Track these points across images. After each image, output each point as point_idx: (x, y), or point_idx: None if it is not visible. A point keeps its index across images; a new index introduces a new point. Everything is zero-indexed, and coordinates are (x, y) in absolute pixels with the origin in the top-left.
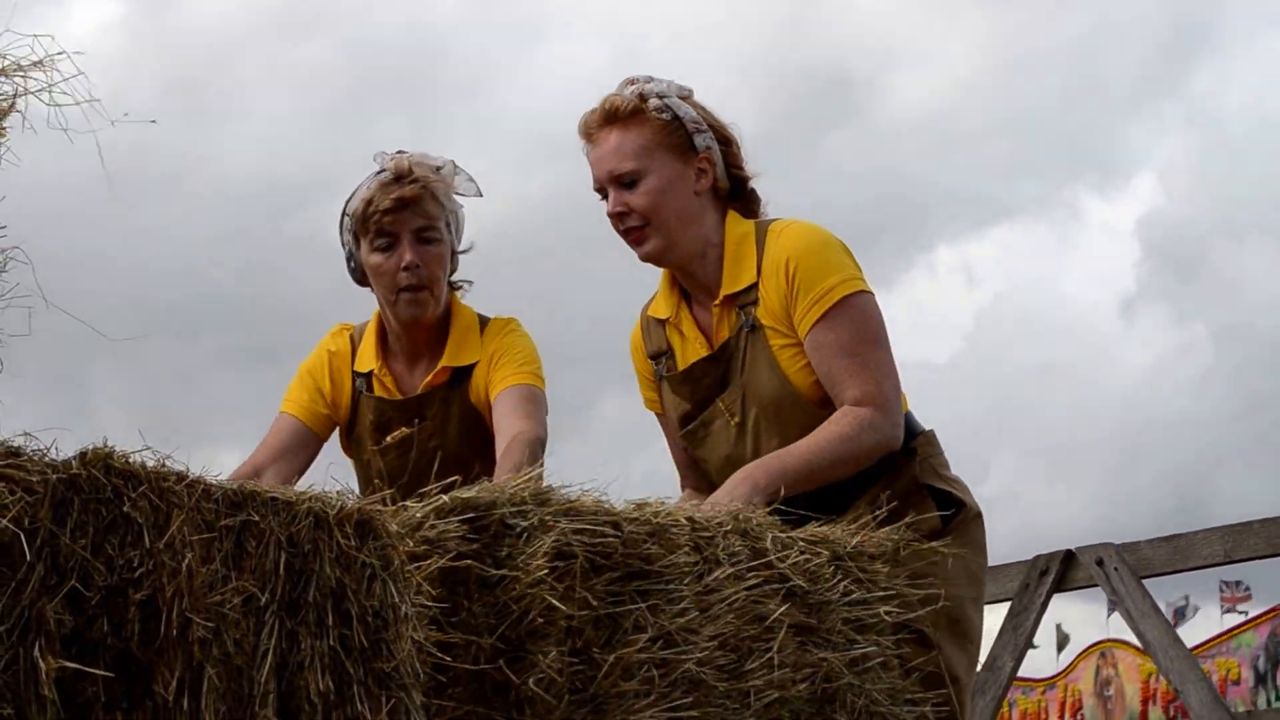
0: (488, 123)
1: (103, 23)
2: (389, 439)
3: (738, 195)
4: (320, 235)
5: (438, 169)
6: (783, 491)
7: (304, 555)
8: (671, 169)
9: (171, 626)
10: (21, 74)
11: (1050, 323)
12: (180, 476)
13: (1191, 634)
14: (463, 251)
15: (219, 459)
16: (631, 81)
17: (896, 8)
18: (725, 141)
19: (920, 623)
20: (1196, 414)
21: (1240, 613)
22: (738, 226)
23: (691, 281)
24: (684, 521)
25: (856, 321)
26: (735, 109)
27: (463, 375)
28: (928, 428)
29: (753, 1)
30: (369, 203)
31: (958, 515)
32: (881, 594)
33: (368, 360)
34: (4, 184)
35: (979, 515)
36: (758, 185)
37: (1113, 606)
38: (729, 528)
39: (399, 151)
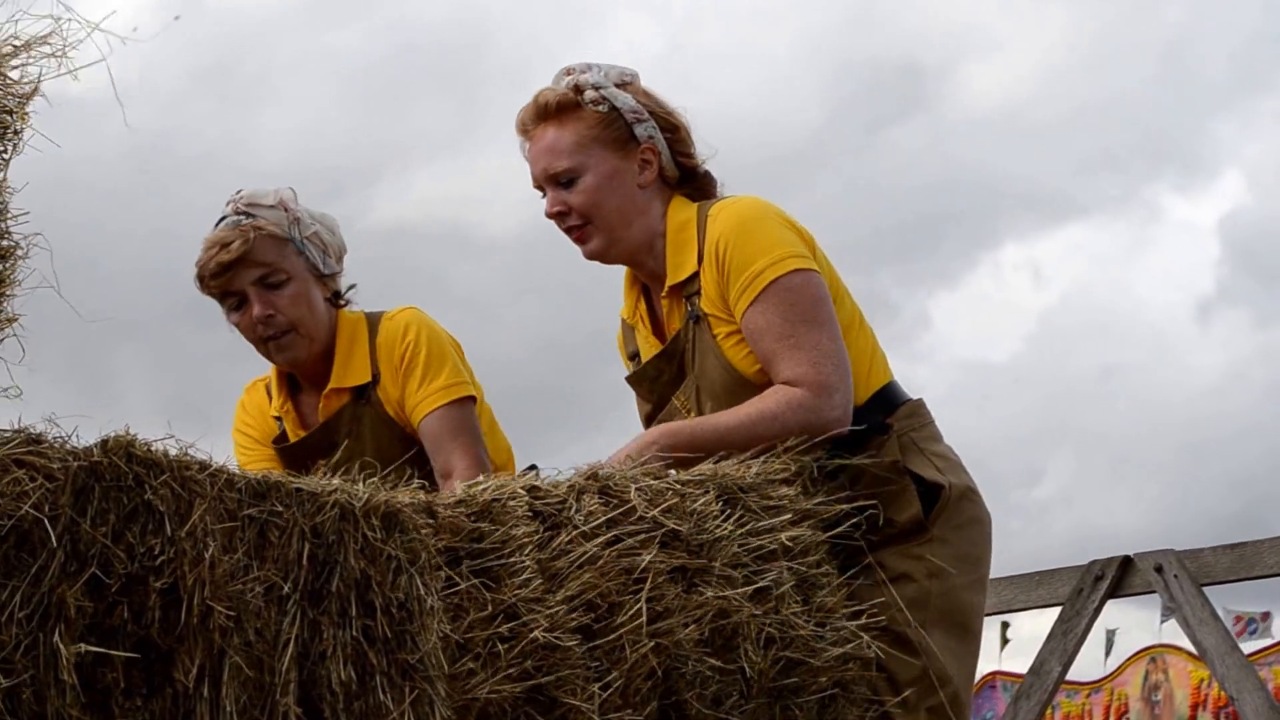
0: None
1: (138, 5)
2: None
3: (688, 181)
4: (354, 223)
5: (273, 207)
6: (685, 455)
7: (328, 546)
8: (610, 164)
9: (192, 614)
10: (43, 54)
11: (1119, 325)
12: (203, 465)
13: (1249, 641)
14: (329, 275)
15: None
16: (568, 71)
17: None
18: (670, 129)
19: (900, 624)
20: (1269, 421)
21: None
22: (680, 213)
23: (645, 275)
24: (521, 492)
25: (788, 303)
26: (798, 97)
27: (364, 390)
28: (920, 398)
29: None
30: (201, 270)
31: (937, 502)
32: (789, 517)
33: (276, 403)
34: (28, 170)
35: (968, 491)
36: (715, 167)
37: (1167, 614)
38: (580, 489)
39: (237, 193)
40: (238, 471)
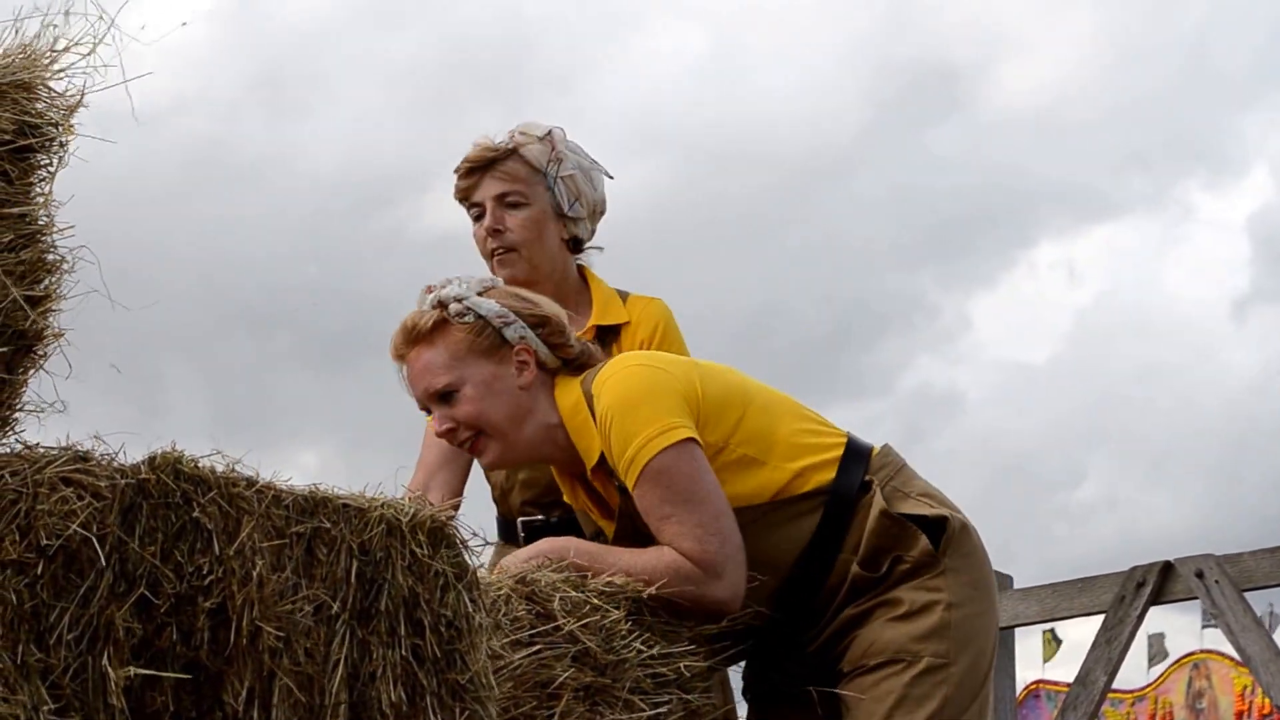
0: (579, 115)
1: (191, 14)
2: None
3: (569, 364)
4: (405, 229)
5: (543, 137)
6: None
7: (376, 563)
8: (487, 371)
9: (241, 635)
10: (86, 65)
11: (1155, 323)
12: (250, 482)
13: None
14: (573, 217)
15: (297, 459)
16: (429, 289)
17: None
18: (540, 323)
19: (920, 655)
20: None
21: None
22: (568, 396)
23: (560, 467)
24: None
25: (663, 484)
26: (837, 99)
27: (601, 336)
28: (892, 443)
29: None
30: (457, 177)
31: (945, 533)
32: (686, 646)
33: None
34: (74, 182)
35: (964, 521)
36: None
37: (1209, 619)
38: (510, 592)
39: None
40: (284, 487)
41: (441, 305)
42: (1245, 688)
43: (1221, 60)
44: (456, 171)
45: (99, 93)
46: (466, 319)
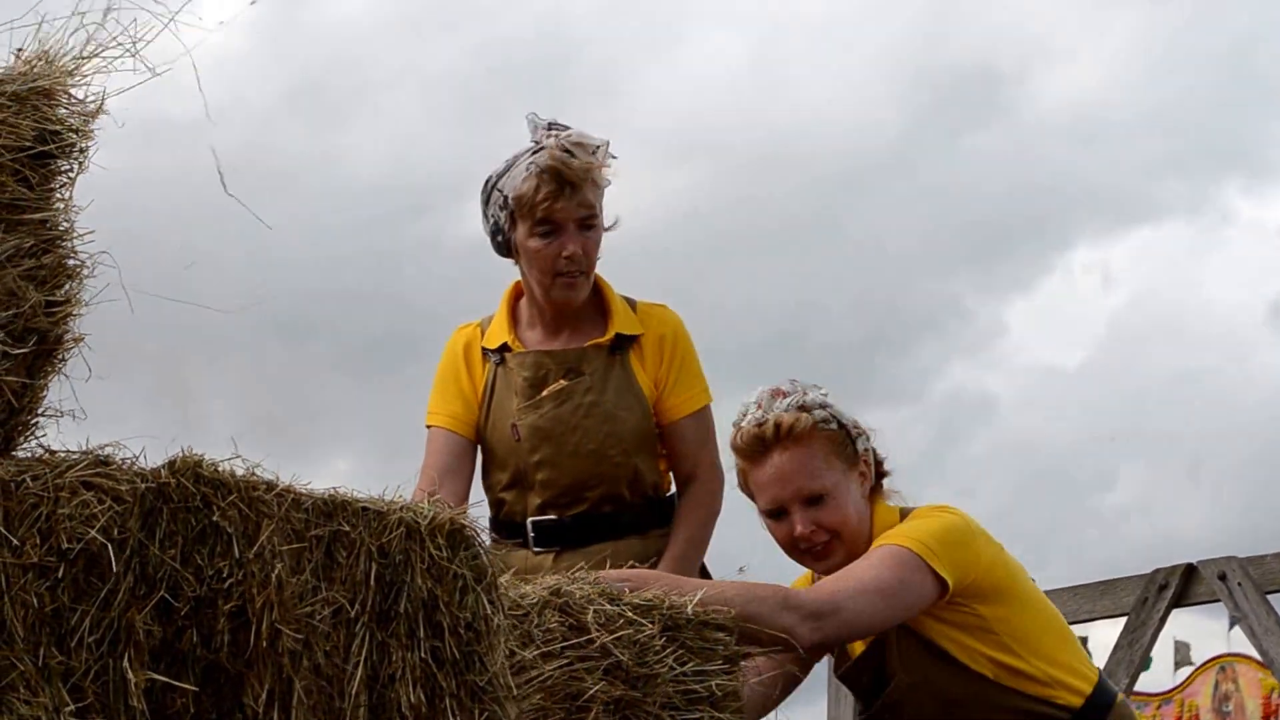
0: (619, 123)
1: (230, 21)
2: (545, 392)
3: (879, 479)
4: (444, 237)
5: (595, 151)
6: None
7: (395, 566)
8: (846, 480)
9: (261, 638)
10: (107, 68)
11: (1190, 328)
12: (270, 485)
13: None
14: (609, 229)
15: (331, 465)
16: (780, 393)
17: (1040, 3)
18: (867, 437)
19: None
20: None
21: None
22: (884, 517)
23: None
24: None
25: (889, 564)
26: (877, 105)
27: (619, 344)
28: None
29: None
30: (534, 192)
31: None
32: (719, 665)
33: (499, 336)
34: (96, 187)
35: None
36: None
37: (1234, 622)
38: (544, 605)
39: (552, 125)
40: (304, 491)
41: (806, 409)
42: (1273, 690)
43: (1263, 65)
44: (541, 179)
45: (142, 98)
46: (831, 426)
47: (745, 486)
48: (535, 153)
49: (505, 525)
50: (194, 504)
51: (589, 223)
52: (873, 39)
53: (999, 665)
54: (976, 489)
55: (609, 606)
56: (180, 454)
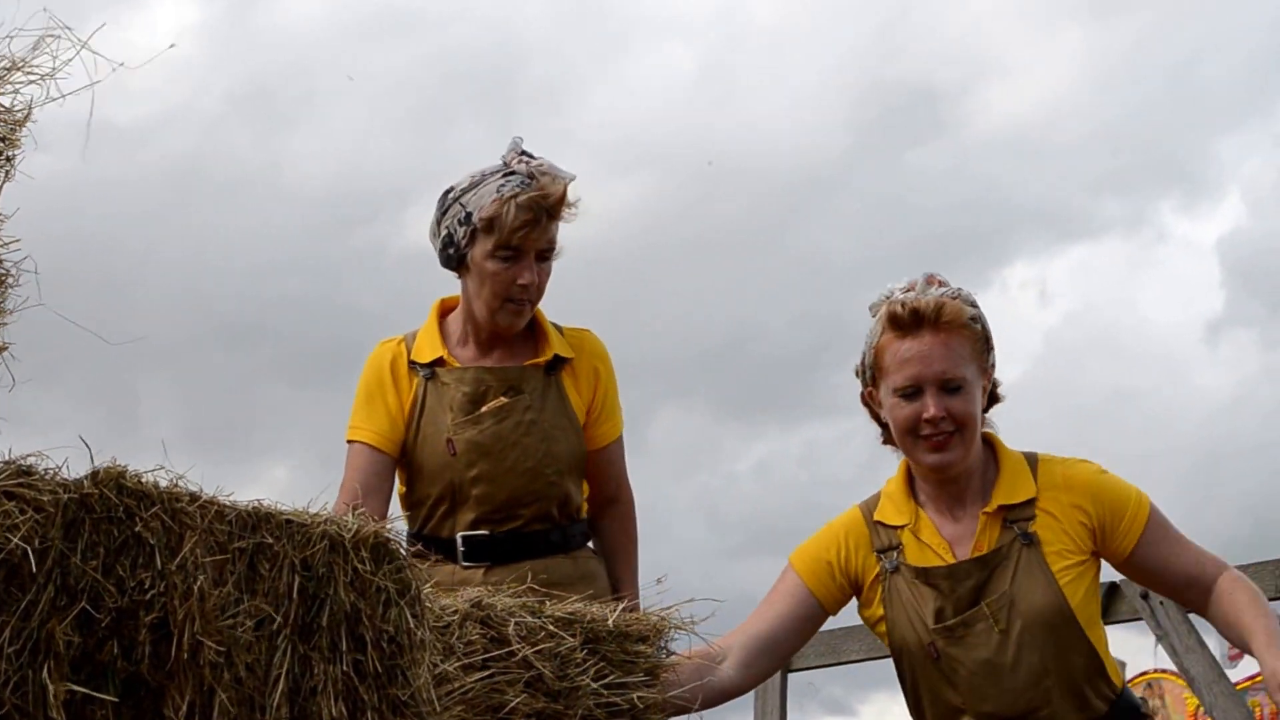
0: (568, 134)
1: (180, 27)
2: (485, 408)
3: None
4: (388, 246)
5: (566, 186)
6: None
7: (318, 579)
8: (980, 381)
9: (183, 649)
10: (35, 78)
11: (1126, 345)
12: (193, 497)
13: (1239, 669)
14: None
15: (269, 473)
16: (935, 281)
17: (988, 22)
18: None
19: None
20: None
21: None
22: (994, 439)
23: (954, 489)
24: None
25: (1162, 522)
26: (823, 120)
27: (555, 365)
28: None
29: (841, 14)
30: (509, 216)
31: None
32: (641, 678)
33: (430, 350)
34: (18, 196)
35: None
36: None
37: (1158, 640)
38: (465, 617)
39: (524, 153)
40: (227, 503)
41: (964, 301)
42: (1198, 707)
43: (1203, 86)
44: (519, 206)
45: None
46: (978, 326)
47: (876, 362)
48: (506, 175)
49: (430, 540)
50: (117, 515)
51: (546, 255)
52: (820, 55)
53: (1090, 618)
54: None
55: (530, 619)
56: (104, 465)
